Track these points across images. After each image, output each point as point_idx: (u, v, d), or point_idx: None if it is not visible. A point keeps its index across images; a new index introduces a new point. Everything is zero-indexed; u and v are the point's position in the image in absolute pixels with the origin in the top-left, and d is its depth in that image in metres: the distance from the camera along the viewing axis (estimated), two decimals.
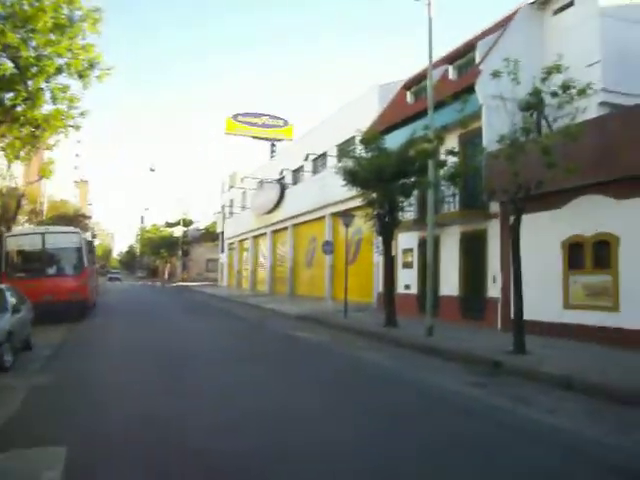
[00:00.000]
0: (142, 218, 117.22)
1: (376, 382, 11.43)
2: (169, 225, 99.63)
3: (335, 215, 32.97)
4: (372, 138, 19.86)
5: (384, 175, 18.79)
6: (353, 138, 30.46)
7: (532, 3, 21.00)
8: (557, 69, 13.74)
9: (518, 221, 14.28)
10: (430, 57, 18.21)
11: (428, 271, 17.93)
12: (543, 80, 13.86)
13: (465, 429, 7.86)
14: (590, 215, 15.63)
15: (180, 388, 10.25)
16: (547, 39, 20.57)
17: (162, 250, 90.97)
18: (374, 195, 19.77)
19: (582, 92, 13.19)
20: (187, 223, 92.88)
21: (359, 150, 21.12)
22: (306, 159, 36.97)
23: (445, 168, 16.33)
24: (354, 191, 23.01)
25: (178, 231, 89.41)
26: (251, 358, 14.15)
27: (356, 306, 24.30)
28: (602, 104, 17.57)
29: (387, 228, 20.17)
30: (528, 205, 14.36)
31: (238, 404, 9.03)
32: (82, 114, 18.14)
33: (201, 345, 16.30)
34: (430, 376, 11.73)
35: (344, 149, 24.09)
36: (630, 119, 14.70)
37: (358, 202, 28.24)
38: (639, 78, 18.47)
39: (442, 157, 17.41)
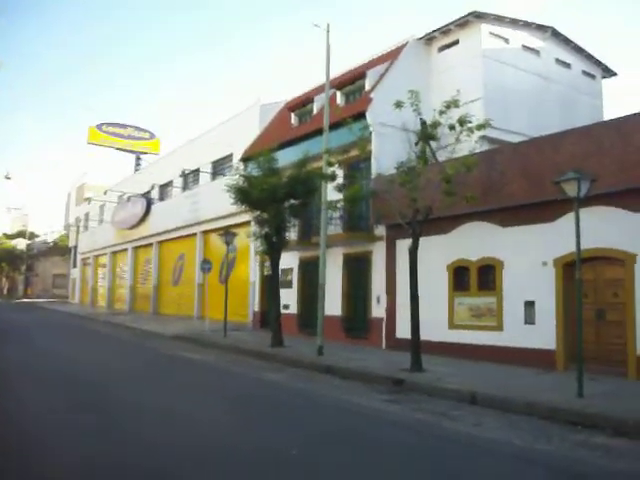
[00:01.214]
0: None
1: (294, 402, 11.40)
2: (8, 237, 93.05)
3: (212, 233, 32.65)
4: (265, 157, 19.90)
5: (277, 195, 18.95)
6: (230, 155, 30.52)
7: (419, 38, 22.31)
8: (455, 104, 14.64)
9: (416, 244, 14.96)
10: (327, 82, 18.75)
11: (320, 291, 18.20)
12: (441, 113, 14.70)
13: (408, 444, 8.12)
14: (476, 240, 16.69)
15: (106, 421, 9.35)
16: (433, 73, 21.93)
17: (3, 263, 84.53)
18: (264, 215, 19.80)
19: (481, 127, 14.22)
20: (31, 235, 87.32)
21: (250, 169, 21.04)
22: (182, 174, 36.17)
23: (343, 191, 16.69)
24: (232, 208, 22.98)
25: (21, 244, 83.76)
26: (150, 380, 13.61)
27: (231, 325, 24.06)
28: (482, 138, 18.86)
29: (274, 248, 20.26)
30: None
31: (170, 432, 8.66)
32: None
33: (92, 369, 15.16)
34: (342, 395, 11.89)
35: (236, 166, 23.89)
36: (515, 154, 15.92)
37: (234, 220, 28.30)
38: (513, 115, 20.13)
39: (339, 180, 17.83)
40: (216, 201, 30.28)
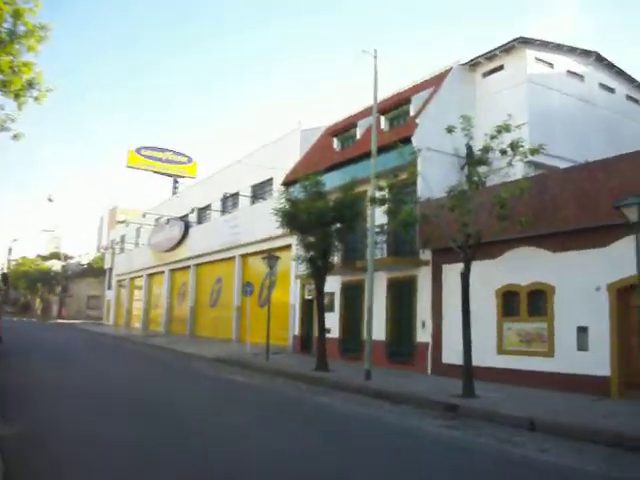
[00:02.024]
0: (9, 250, 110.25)
1: (358, 426, 11.47)
2: (43, 258, 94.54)
3: (250, 256, 33.01)
4: (312, 181, 20.12)
5: (324, 219, 19.12)
6: (270, 180, 30.85)
7: (464, 64, 22.52)
8: (506, 128, 14.69)
9: (468, 268, 14.95)
10: (375, 106, 19.04)
11: (368, 315, 18.25)
12: (492, 138, 14.76)
13: (480, 466, 8.20)
14: (526, 265, 16.63)
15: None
16: (477, 98, 22.08)
17: (39, 284, 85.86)
18: (310, 238, 19.95)
19: (535, 151, 14.26)
20: (66, 257, 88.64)
21: (296, 192, 21.26)
22: (223, 198, 36.64)
23: (398, 215, 16.73)
24: (273, 232, 23.17)
25: (56, 265, 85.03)
26: (218, 407, 13.31)
27: (271, 348, 24.11)
28: (528, 162, 18.86)
29: (320, 271, 20.39)
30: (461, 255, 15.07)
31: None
32: (15, 137, 16.99)
33: (152, 393, 14.87)
34: (400, 419, 11.91)
35: (283, 190, 24.08)
36: (566, 178, 15.92)
37: (273, 244, 28.55)
38: (557, 140, 20.12)
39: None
40: (255, 224, 30.66)
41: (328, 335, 23.82)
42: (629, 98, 25.08)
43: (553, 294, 15.94)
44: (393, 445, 9.69)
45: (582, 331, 15.11)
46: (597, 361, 14.60)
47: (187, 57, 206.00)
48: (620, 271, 13.92)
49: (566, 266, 15.66)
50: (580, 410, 12.33)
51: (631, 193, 11.91)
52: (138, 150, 49.70)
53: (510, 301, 17.20)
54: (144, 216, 50.80)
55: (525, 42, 21.02)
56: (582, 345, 15.07)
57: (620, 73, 24.45)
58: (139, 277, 54.29)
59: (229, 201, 36.90)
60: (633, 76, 24.88)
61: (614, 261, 14.17)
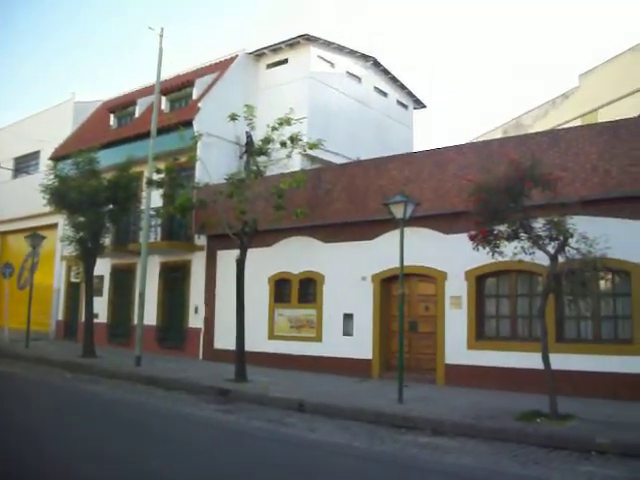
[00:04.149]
0: None
1: (129, 413, 11.08)
2: None
3: (11, 234, 30.23)
4: (86, 158, 18.93)
5: (97, 199, 18.18)
6: (37, 152, 28.56)
7: (250, 53, 22.66)
8: (287, 122, 15.05)
9: (243, 255, 15.14)
10: (158, 87, 18.52)
11: (139, 300, 17.69)
12: (273, 129, 15.04)
13: (257, 448, 8.36)
14: (299, 254, 17.25)
15: None
16: (260, 89, 22.40)
17: None
18: (81, 219, 18.80)
19: (314, 146, 14.82)
20: None
21: (67, 169, 19.84)
22: None
23: (175, 199, 16.36)
24: (38, 209, 21.55)
25: None
26: None
27: (31, 335, 22.29)
28: (306, 156, 19.55)
29: (90, 253, 19.33)
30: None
31: None
32: None
33: None
34: (174, 406, 11.77)
35: (52, 165, 22.19)
36: (340, 174, 16.75)
37: (38, 222, 26.47)
38: (333, 136, 21.09)
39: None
40: (18, 200, 28.08)
41: (96, 320, 22.68)
42: (399, 103, 27.10)
43: (323, 282, 16.73)
44: (168, 431, 9.56)
45: (348, 318, 16.07)
46: (361, 346, 15.63)
47: None
48: (384, 263, 15.00)
49: (336, 256, 16.50)
50: (346, 391, 13.12)
51: (398, 191, 12.83)
52: None
53: (282, 288, 17.76)
54: None
55: (309, 39, 21.72)
56: (347, 331, 16.04)
57: (394, 80, 26.31)
58: None
59: None
60: (404, 83, 26.89)
61: (380, 253, 15.21)
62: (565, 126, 21.64)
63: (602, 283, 12.72)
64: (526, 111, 31.56)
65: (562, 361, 11.54)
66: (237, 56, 22.61)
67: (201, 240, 20.12)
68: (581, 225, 10.01)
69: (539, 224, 10.15)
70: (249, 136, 16.68)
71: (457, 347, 14.13)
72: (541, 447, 8.61)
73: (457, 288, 14.27)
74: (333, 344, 16.20)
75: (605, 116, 23.43)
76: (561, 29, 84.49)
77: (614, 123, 13.37)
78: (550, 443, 8.71)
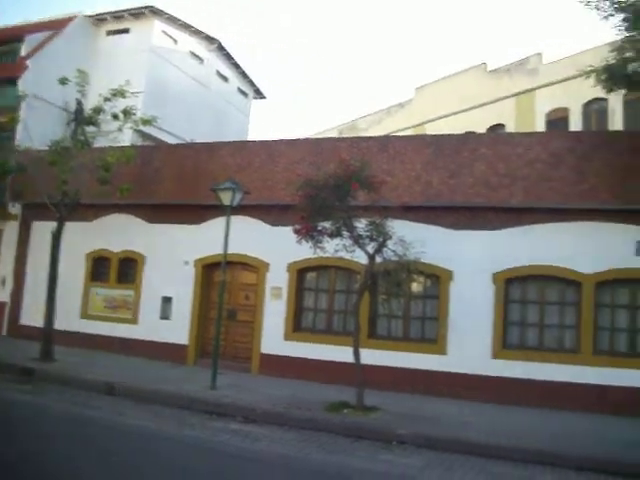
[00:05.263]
0: None
1: None
2: None
3: None
4: None
5: None
6: None
7: (89, 16, 21.43)
8: (121, 93, 14.47)
9: (60, 228, 14.38)
10: None
11: None
12: (106, 100, 14.41)
13: (67, 433, 8.02)
14: (121, 232, 16.60)
15: None
16: (98, 55, 21.25)
17: None
18: None
19: (147, 122, 14.36)
20: None
21: None
22: None
23: None
24: None
25: None
26: None
27: None
28: (138, 131, 18.88)
29: None
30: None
31: None
32: None
33: None
34: None
35: None
36: (173, 154, 16.35)
37: None
38: (170, 115, 20.60)
39: None
40: None
41: None
42: (240, 91, 27.01)
43: (144, 263, 16.25)
44: None
45: (166, 301, 15.75)
46: (178, 330, 15.39)
47: None
48: (208, 248, 14.78)
49: (160, 238, 16.05)
50: (159, 376, 12.89)
51: (228, 178, 12.78)
52: None
53: (101, 266, 17.00)
54: None
55: (154, 12, 21.03)
56: (165, 314, 15.71)
57: (236, 66, 26.16)
58: None
59: None
60: (247, 72, 26.84)
61: (205, 239, 15.01)
62: (397, 134, 22.79)
63: (414, 285, 13.53)
64: (363, 115, 32.85)
65: (373, 356, 12.20)
66: (75, 17, 21.30)
67: (16, 208, 18.71)
68: (400, 229, 10.61)
69: (361, 224, 10.60)
70: (79, 103, 15.77)
71: (274, 337, 14.37)
72: (347, 437, 9.04)
73: (278, 279, 14.52)
74: (150, 327, 15.77)
75: (434, 129, 25.08)
76: (411, 40, 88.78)
77: (439, 137, 14.32)
78: (355, 433, 9.17)
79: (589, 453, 8.37)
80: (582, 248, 12.32)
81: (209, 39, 24.21)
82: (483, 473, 7.57)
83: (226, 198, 11.91)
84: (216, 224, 14.30)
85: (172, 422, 9.20)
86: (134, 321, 16.09)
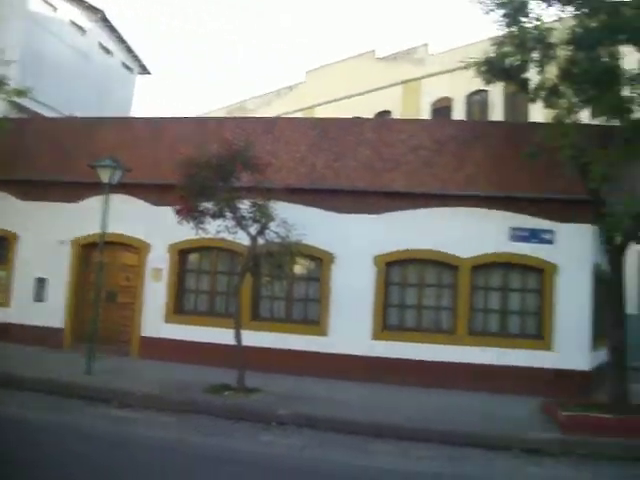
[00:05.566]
0: None
1: None
2: None
3: None
4: None
5: None
6: None
7: None
8: None
9: None
10: None
11: None
12: None
13: None
14: None
15: None
16: None
17: None
18: None
19: (21, 93, 13.57)
20: None
21: None
22: None
23: None
24: None
25: None
26: None
27: None
28: (11, 102, 17.77)
29: None
30: None
31: None
32: None
33: None
34: None
35: None
36: (50, 128, 15.59)
37: None
38: (47, 87, 19.50)
39: None
40: None
41: None
42: (124, 65, 25.97)
43: (16, 243, 15.38)
44: None
45: (41, 282, 15.00)
46: (53, 313, 14.71)
47: None
48: (86, 228, 14.18)
49: (34, 216, 15.18)
50: (33, 361, 12.42)
51: (108, 155, 12.29)
52: None
53: None
54: None
55: None
56: (39, 297, 14.96)
57: (121, 40, 25.09)
58: None
59: None
60: (131, 46, 25.84)
61: (83, 218, 14.36)
62: (286, 117, 22.78)
63: (297, 267, 13.61)
64: (252, 97, 32.64)
65: (256, 338, 12.22)
66: None
67: None
68: (284, 211, 10.67)
69: (245, 205, 10.55)
70: None
71: (155, 320, 14.07)
72: (227, 419, 9.07)
73: (159, 260, 14.20)
74: (23, 310, 14.92)
75: (322, 113, 25.32)
76: (303, 24, 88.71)
77: (324, 120, 14.47)
78: (236, 415, 9.21)
79: (451, 428, 8.84)
80: (460, 233, 12.85)
81: (92, 9, 23.03)
82: (358, 451, 7.79)
83: (105, 175, 11.50)
84: (95, 203, 13.66)
85: (46, 408, 8.94)
86: (6, 304, 15.17)
